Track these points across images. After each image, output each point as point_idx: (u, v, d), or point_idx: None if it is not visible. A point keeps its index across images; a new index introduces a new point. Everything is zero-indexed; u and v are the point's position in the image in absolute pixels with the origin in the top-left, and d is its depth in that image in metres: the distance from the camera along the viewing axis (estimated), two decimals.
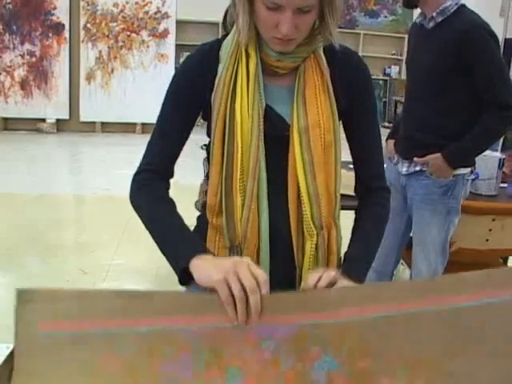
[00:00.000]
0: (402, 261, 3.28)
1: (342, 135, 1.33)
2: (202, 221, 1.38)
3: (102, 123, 9.09)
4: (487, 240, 2.83)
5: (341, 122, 1.32)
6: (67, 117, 8.94)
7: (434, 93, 2.39)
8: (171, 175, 1.34)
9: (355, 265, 1.26)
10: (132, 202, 1.30)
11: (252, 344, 1.02)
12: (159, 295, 1.07)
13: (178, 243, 1.20)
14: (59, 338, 1.05)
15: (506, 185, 3.10)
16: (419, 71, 2.45)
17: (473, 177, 2.73)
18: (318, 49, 1.26)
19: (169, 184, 1.33)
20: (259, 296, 1.01)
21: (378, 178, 1.39)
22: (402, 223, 2.68)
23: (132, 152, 7.86)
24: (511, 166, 3.13)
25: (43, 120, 8.82)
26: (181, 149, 1.33)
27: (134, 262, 4.24)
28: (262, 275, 1.04)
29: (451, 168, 2.39)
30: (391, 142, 2.69)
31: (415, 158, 2.45)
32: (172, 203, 1.28)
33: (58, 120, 8.90)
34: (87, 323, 1.05)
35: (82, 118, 8.96)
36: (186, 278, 1.14)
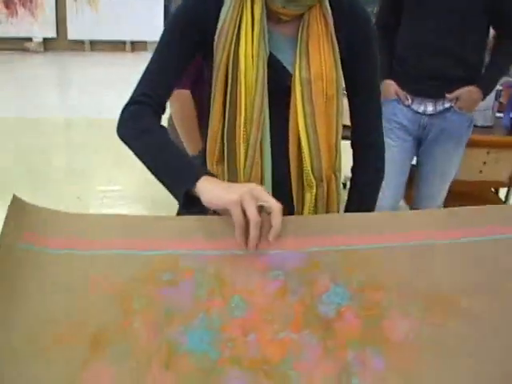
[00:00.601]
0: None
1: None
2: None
3: (91, 42, 8.89)
4: (481, 172, 2.87)
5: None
6: (54, 35, 8.73)
7: (466, 30, 2.37)
8: (163, 111, 1.27)
9: None
10: (120, 132, 1.23)
11: (259, 272, 0.98)
12: (158, 218, 1.04)
13: (181, 166, 1.13)
14: (45, 253, 0.99)
15: (501, 115, 3.10)
16: (446, 11, 2.39)
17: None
18: None
19: (160, 118, 1.26)
20: (280, 217, 0.99)
21: (376, 131, 1.38)
22: (406, 165, 2.70)
23: (123, 72, 7.78)
24: (508, 97, 3.11)
25: (30, 39, 8.61)
26: (172, 88, 1.28)
27: (130, 187, 4.25)
28: (277, 203, 1.00)
29: (483, 99, 2.48)
30: (390, 82, 2.59)
31: (447, 95, 2.45)
32: (166, 131, 1.22)
33: (44, 39, 8.70)
34: (81, 242, 1.00)
35: (70, 37, 8.75)
36: (189, 202, 1.07)
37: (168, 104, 1.29)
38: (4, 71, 7.63)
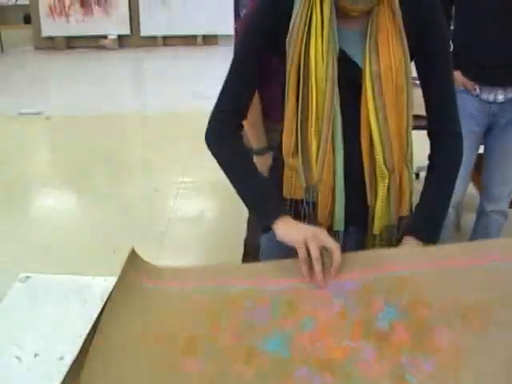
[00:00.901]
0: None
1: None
2: (277, 160, 1.45)
3: (164, 37, 9.11)
4: None
5: (413, 62, 1.33)
6: (128, 32, 8.99)
7: None
8: (245, 117, 1.40)
9: (426, 224, 1.34)
10: (209, 147, 1.39)
11: (324, 300, 1.16)
12: (241, 266, 1.34)
13: (263, 202, 1.32)
14: (163, 289, 1.25)
15: None
16: None
17: None
18: None
19: (242, 128, 1.42)
20: (339, 255, 1.17)
21: (454, 121, 1.40)
22: (473, 155, 2.71)
23: (195, 65, 7.94)
24: None
25: (105, 37, 8.91)
26: (253, 94, 1.40)
27: (204, 178, 4.34)
28: (337, 244, 1.19)
29: None
30: (456, 72, 2.55)
31: None
32: (247, 154, 1.39)
33: (119, 36, 8.97)
34: (188, 283, 1.26)
35: (143, 33, 9.00)
36: (267, 228, 1.31)
37: None
38: (81, 67, 7.92)
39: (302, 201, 1.38)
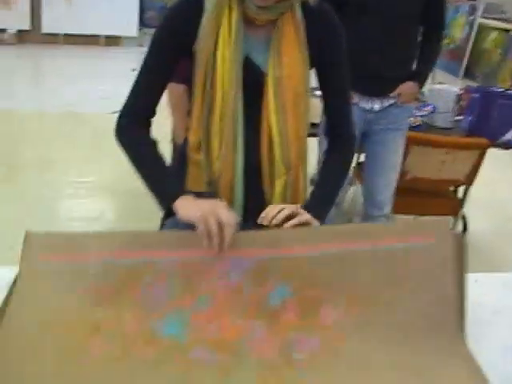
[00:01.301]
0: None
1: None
2: (182, 156, 1.51)
3: (65, 35, 8.90)
4: (440, 170, 3.03)
5: (313, 70, 1.44)
6: (28, 27, 8.72)
7: (405, 33, 2.64)
8: (153, 116, 1.44)
9: (318, 203, 1.41)
10: (118, 141, 1.42)
11: (220, 275, 1.23)
12: (143, 233, 1.31)
13: (164, 184, 1.36)
14: (58, 267, 1.24)
15: (461, 117, 3.27)
16: (390, 18, 2.56)
17: (430, 110, 2.94)
18: (296, 4, 1.35)
19: (150, 124, 1.45)
20: (233, 230, 1.21)
21: (348, 125, 1.52)
22: None
23: (96, 65, 7.83)
24: (468, 100, 3.27)
25: (3, 31, 8.58)
26: (162, 94, 1.44)
27: (103, 178, 4.30)
28: (234, 217, 1.23)
29: (419, 91, 2.79)
30: None
31: (391, 94, 2.70)
32: (154, 144, 1.41)
33: (18, 31, 8.67)
34: (81, 256, 1.26)
35: (44, 30, 8.75)
36: (169, 213, 1.33)
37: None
38: None
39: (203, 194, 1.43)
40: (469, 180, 3.13)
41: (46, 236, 1.31)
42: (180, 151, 1.57)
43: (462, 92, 3.28)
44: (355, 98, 2.68)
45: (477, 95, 3.14)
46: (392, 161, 2.82)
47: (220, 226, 1.21)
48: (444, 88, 3.18)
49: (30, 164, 4.63)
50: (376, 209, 2.92)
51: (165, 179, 1.37)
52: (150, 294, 1.21)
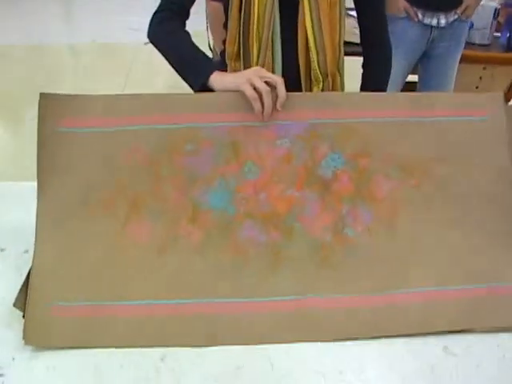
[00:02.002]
0: None
1: None
2: (221, 66, 1.53)
3: None
4: (477, 87, 3.01)
5: None
6: None
7: None
8: (187, 16, 1.46)
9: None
10: (150, 35, 1.43)
11: (268, 140, 1.16)
12: (181, 95, 1.19)
13: (198, 62, 1.31)
14: (82, 132, 1.14)
15: (499, 34, 3.21)
16: None
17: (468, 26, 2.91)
18: None
19: (185, 23, 1.46)
20: (284, 88, 1.16)
21: (385, 47, 1.55)
22: (404, 75, 2.88)
23: None
24: (506, 16, 3.21)
25: None
26: None
27: None
28: (280, 77, 1.18)
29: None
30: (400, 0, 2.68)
31: (458, 10, 2.64)
32: (189, 34, 1.40)
33: None
34: (111, 120, 1.15)
35: None
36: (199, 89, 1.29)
37: None
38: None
39: None
40: (507, 97, 3.09)
41: (70, 97, 1.17)
42: (219, 61, 1.60)
43: (500, 7, 3.20)
44: (418, 15, 2.64)
45: None
46: (451, 75, 2.82)
47: (269, 85, 1.16)
48: (482, 3, 3.10)
49: None
50: None
51: (198, 57, 1.33)
52: (192, 162, 1.15)
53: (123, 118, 1.15)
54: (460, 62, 2.80)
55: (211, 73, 1.25)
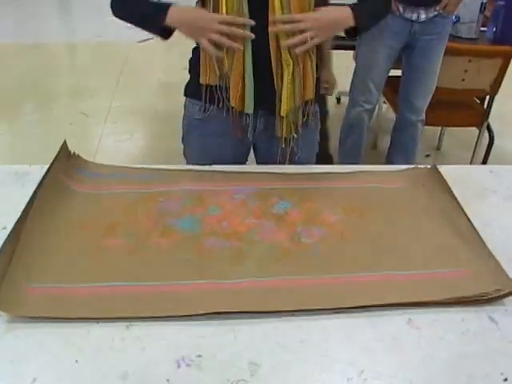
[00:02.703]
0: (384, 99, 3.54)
1: None
2: (195, 55, 1.56)
3: None
4: (463, 80, 3.04)
5: None
6: None
7: None
8: None
9: (360, 8, 1.48)
10: (112, 8, 1.49)
11: (227, 196, 1.39)
12: (158, 170, 1.49)
13: (151, 10, 1.45)
14: (85, 193, 1.39)
15: (485, 28, 3.24)
16: None
17: (454, 20, 2.95)
18: None
19: None
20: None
21: None
22: (388, 69, 2.94)
23: None
24: (493, 10, 3.24)
25: None
26: None
27: (133, 103, 4.42)
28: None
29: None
30: None
31: (438, 7, 2.69)
32: None
33: None
34: (110, 186, 1.42)
35: None
36: (166, 33, 1.46)
37: None
38: None
39: (217, 86, 1.52)
40: (493, 90, 3.12)
41: (75, 159, 1.49)
42: (192, 51, 1.61)
43: (486, 1, 3.23)
44: (399, 9, 2.70)
45: (502, 2, 3.10)
46: (433, 69, 2.87)
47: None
48: None
49: (62, 93, 4.74)
50: (414, 114, 3.03)
51: (150, 5, 1.45)
52: (166, 205, 1.35)
53: (113, 186, 1.42)
54: (445, 55, 2.83)
55: (166, 13, 1.39)
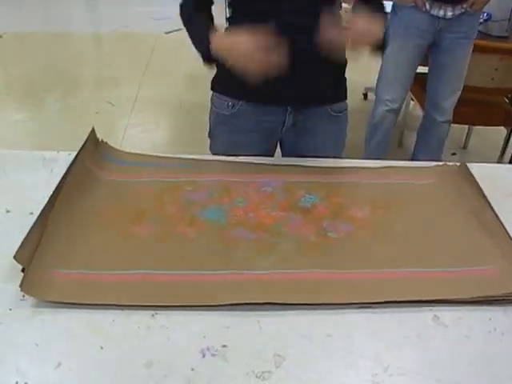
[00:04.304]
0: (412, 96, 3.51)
1: None
2: None
3: None
4: (493, 79, 3.00)
5: None
6: None
7: None
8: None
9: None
10: (181, 15, 1.51)
11: (253, 188, 1.40)
12: (187, 160, 1.51)
13: (199, 38, 1.40)
14: (113, 180, 1.41)
15: None
16: None
17: (485, 17, 2.91)
18: None
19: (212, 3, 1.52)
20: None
21: None
22: (415, 68, 2.90)
23: None
24: None
25: None
26: None
27: (159, 94, 4.44)
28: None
29: None
30: None
31: (466, 4, 2.65)
32: (211, 16, 1.47)
33: None
34: (138, 175, 1.44)
35: None
36: (211, 59, 1.39)
37: None
38: None
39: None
40: None
41: (103, 146, 1.52)
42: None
43: None
44: (426, 5, 2.67)
45: None
46: (460, 68, 2.84)
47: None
48: None
49: (89, 82, 4.77)
50: (441, 115, 3.00)
51: (200, 32, 1.40)
52: (192, 195, 1.35)
53: (140, 174, 1.44)
54: (475, 52, 2.80)
55: (208, 44, 1.34)
